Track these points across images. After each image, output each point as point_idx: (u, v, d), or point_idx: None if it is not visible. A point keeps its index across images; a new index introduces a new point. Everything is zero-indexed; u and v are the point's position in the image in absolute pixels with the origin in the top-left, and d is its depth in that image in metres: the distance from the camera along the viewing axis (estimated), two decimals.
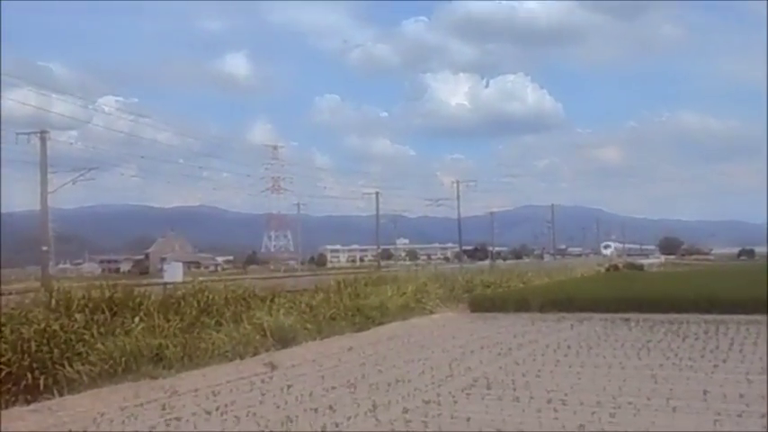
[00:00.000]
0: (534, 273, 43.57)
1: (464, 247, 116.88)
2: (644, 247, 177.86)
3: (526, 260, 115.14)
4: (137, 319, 15.26)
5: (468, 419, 8.83)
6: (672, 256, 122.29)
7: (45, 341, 13.27)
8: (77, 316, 14.77)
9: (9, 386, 12.10)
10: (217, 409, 9.86)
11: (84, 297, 16.11)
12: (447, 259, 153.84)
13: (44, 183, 42.02)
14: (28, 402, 11.22)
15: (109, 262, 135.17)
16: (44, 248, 42.38)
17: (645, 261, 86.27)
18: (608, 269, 57.87)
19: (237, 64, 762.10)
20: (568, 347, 15.21)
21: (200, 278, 23.71)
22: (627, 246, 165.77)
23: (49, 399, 11.28)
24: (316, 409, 9.60)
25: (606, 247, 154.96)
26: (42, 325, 13.79)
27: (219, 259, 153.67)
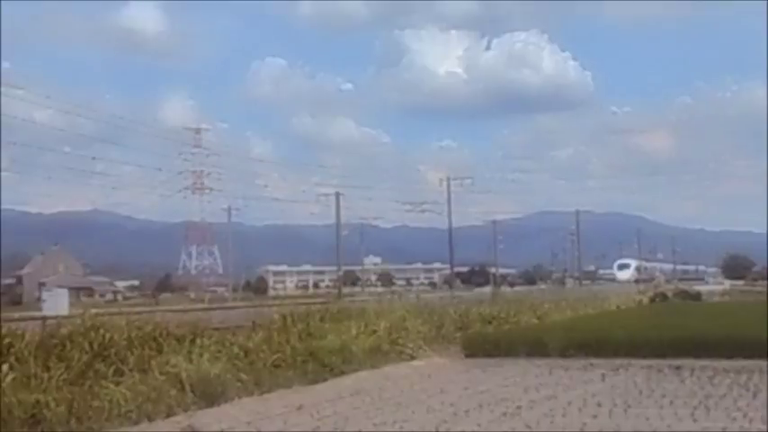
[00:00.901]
0: (553, 304, 43.84)
1: (457, 269, 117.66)
2: (701, 268, 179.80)
3: (542, 286, 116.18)
4: (5, 368, 15.10)
5: None
6: (739, 282, 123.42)
7: None
8: None
9: None
10: None
11: None
12: (434, 285, 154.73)
13: None
14: None
15: None
16: None
17: (703, 288, 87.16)
18: (653, 299, 58.48)
19: (144, 17, 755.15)
20: (599, 405, 15.30)
21: (94, 310, 23.50)
22: (678, 267, 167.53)
23: None
24: None
25: (623, 267, 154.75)
26: None
27: (120, 284, 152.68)
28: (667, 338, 23.52)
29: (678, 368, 20.79)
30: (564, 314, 39.98)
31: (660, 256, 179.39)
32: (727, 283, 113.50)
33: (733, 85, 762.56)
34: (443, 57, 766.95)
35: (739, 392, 16.68)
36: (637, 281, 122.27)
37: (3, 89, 70.57)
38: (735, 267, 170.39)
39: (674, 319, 32.27)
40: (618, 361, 22.20)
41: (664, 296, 61.96)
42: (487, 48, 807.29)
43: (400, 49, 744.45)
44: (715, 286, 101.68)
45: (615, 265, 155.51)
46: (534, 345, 24.38)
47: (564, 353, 23.51)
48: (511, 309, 37.77)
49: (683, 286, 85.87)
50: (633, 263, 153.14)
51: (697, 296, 65.18)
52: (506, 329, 30.27)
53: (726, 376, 19.14)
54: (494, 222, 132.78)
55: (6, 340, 16.70)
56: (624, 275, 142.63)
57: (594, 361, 22.38)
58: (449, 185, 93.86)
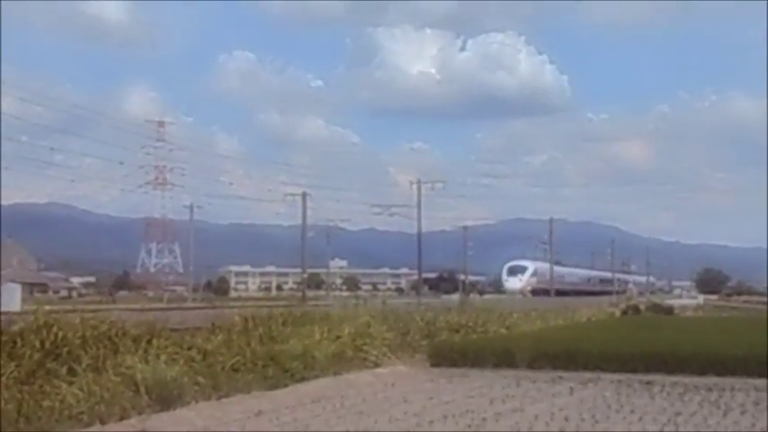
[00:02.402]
0: (523, 314, 43.96)
1: (425, 275, 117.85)
2: (675, 282, 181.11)
3: (511, 296, 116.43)
4: None
5: None
6: (713, 296, 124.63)
7: None
8: None
9: None
10: None
11: None
12: (401, 291, 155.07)
13: None
14: None
15: None
16: None
17: (676, 302, 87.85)
18: (625, 311, 58.93)
19: (108, 4, 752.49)
20: (566, 420, 15.37)
21: (47, 307, 23.40)
22: (651, 280, 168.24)
23: None
24: None
25: (514, 272, 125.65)
26: None
27: (76, 281, 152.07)
28: (638, 352, 23.64)
29: (649, 383, 20.91)
30: (534, 325, 40.11)
31: (634, 267, 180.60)
32: (701, 298, 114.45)
33: (712, 95, 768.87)
34: (417, 56, 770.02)
35: (710, 410, 16.79)
36: (535, 292, 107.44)
37: None
38: (709, 281, 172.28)
39: (645, 332, 32.48)
40: (587, 374, 22.31)
41: (636, 309, 62.44)
42: (462, 48, 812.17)
43: (373, 47, 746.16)
44: (689, 300, 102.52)
45: (505, 269, 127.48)
46: (502, 355, 24.44)
47: (532, 364, 23.60)
48: (479, 317, 37.81)
49: (657, 300, 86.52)
50: (531, 266, 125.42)
51: (670, 310, 65.73)
52: (474, 339, 30.34)
53: (697, 393, 19.29)
54: (465, 228, 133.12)
55: None
56: (515, 284, 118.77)
57: (563, 374, 22.48)
58: (419, 189, 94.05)
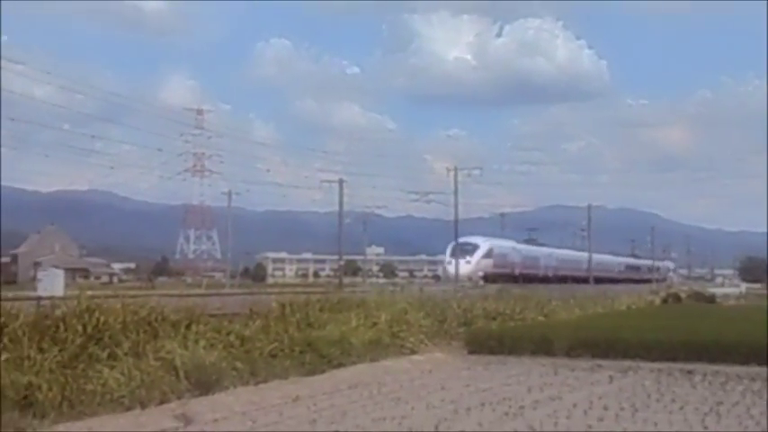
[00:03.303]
0: (561, 301, 43.87)
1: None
2: (717, 271, 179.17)
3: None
4: None
5: None
6: (756, 285, 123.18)
7: None
8: None
9: None
10: None
11: None
12: (437, 278, 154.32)
13: None
14: None
15: None
16: None
17: (718, 290, 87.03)
18: (665, 300, 58.50)
19: None
20: (605, 408, 15.34)
21: (89, 292, 23.55)
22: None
23: None
24: None
25: (462, 252, 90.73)
26: None
27: (116, 266, 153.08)
28: (679, 341, 23.52)
29: (689, 372, 20.81)
30: (572, 313, 40.05)
31: (674, 255, 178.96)
32: (744, 286, 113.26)
33: (755, 79, 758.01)
34: (453, 42, 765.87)
35: (753, 400, 16.69)
36: (486, 278, 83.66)
37: (3, 63, 70.54)
38: (752, 269, 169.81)
39: (686, 321, 32.29)
40: (626, 363, 22.25)
41: (677, 297, 62.00)
42: (499, 34, 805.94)
43: (409, 33, 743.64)
44: (731, 289, 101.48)
45: (448, 249, 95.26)
46: (540, 343, 24.43)
47: (570, 352, 23.56)
48: (517, 305, 37.81)
49: (698, 288, 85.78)
50: (484, 245, 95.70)
51: (711, 299, 65.22)
52: (511, 326, 30.31)
53: (739, 382, 19.18)
54: (502, 215, 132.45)
55: (0, 320, 16.74)
56: (462, 267, 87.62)
57: (602, 362, 22.43)
58: (456, 176, 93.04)
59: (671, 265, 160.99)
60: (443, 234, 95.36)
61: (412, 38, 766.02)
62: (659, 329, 26.94)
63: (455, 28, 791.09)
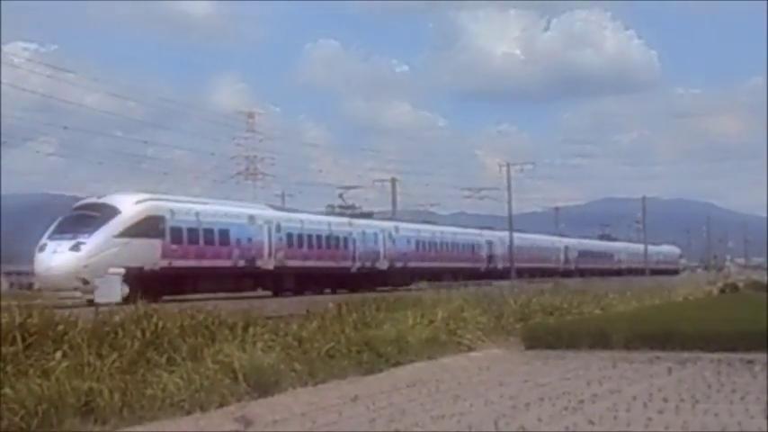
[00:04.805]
0: (617, 294, 43.62)
1: None
2: None
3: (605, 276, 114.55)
4: (59, 355, 15.30)
5: None
6: None
7: None
8: None
9: None
10: None
11: None
12: None
13: None
14: None
15: (18, 274, 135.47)
16: None
17: None
18: (723, 290, 57.85)
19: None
20: (665, 401, 15.19)
21: None
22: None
23: None
24: None
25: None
26: None
27: None
28: (738, 331, 23.25)
29: (749, 362, 20.54)
30: (629, 305, 39.80)
31: (731, 245, 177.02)
32: None
33: None
34: (500, 37, 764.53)
35: None
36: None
37: (53, 72, 71.56)
38: None
39: (745, 311, 31.90)
40: (685, 354, 22.03)
41: (734, 287, 61.23)
42: (546, 28, 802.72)
43: (456, 30, 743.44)
44: None
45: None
46: (597, 336, 24.27)
47: (628, 345, 23.38)
48: (573, 299, 37.68)
49: (757, 278, 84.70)
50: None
51: None
52: (568, 320, 30.16)
53: None
54: (555, 209, 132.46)
55: (60, 327, 16.91)
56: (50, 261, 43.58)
57: (660, 354, 22.23)
58: (508, 171, 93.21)
59: (677, 250, 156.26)
60: (497, 230, 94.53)
61: (459, 35, 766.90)
62: (717, 320, 26.67)
63: (502, 23, 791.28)
